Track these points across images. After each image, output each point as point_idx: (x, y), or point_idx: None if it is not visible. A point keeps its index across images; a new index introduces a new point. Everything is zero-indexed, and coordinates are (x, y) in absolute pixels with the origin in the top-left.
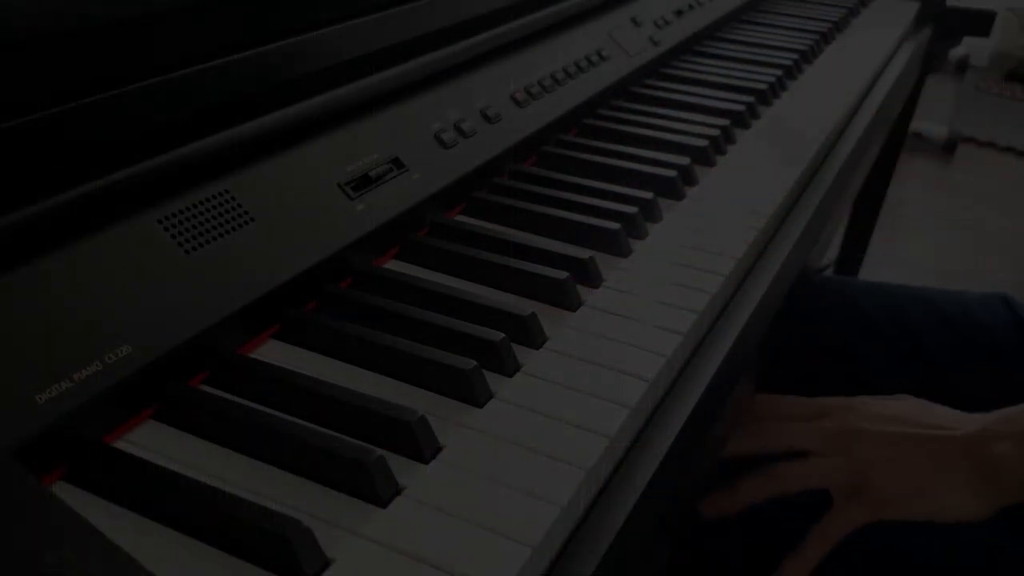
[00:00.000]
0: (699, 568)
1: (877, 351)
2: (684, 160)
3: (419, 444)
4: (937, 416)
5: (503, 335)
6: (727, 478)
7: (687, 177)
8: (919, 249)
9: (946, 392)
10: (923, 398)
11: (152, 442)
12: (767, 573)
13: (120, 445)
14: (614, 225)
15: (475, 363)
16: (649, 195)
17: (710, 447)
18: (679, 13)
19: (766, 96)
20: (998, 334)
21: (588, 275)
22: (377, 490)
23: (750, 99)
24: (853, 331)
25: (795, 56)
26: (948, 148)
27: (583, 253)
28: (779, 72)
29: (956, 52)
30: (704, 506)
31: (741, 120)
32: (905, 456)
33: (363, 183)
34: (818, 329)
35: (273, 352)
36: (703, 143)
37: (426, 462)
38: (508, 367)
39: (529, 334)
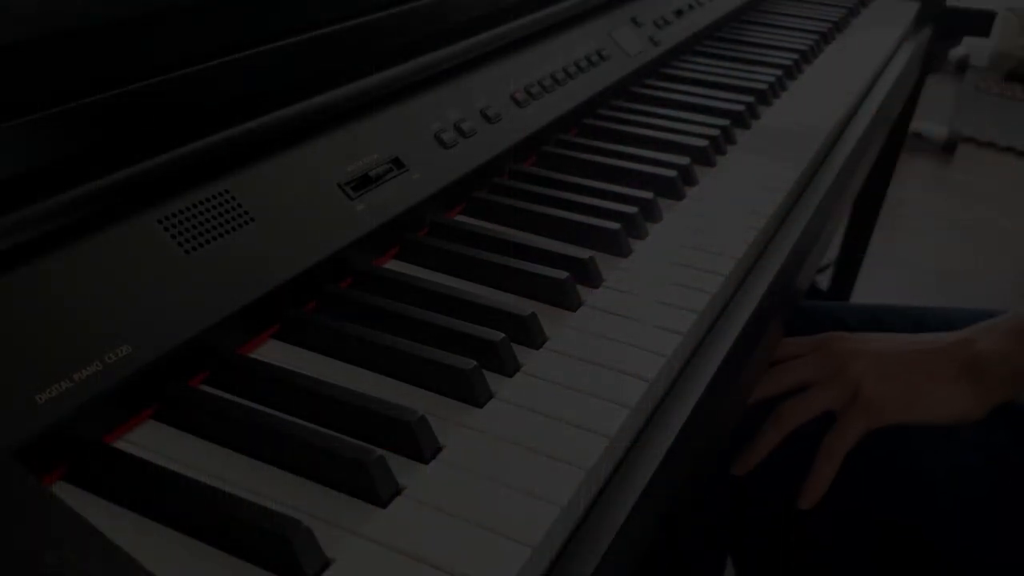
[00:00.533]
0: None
1: None
2: (684, 160)
3: (419, 444)
4: (920, 336)
5: (503, 335)
6: (747, 432)
7: (687, 177)
8: (919, 249)
9: None
10: None
11: (152, 442)
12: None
13: (120, 445)
14: (614, 225)
15: (475, 363)
16: (649, 195)
17: (710, 446)
18: (679, 13)
19: (766, 96)
20: None
21: (588, 275)
22: (377, 490)
23: (750, 99)
24: None
25: (795, 56)
26: (948, 148)
27: (583, 253)
28: (779, 72)
29: (956, 52)
30: (735, 468)
31: (741, 120)
32: (894, 366)
33: (363, 183)
34: None
35: (273, 352)
36: (703, 143)
37: (426, 462)
38: (508, 367)
39: (529, 334)
